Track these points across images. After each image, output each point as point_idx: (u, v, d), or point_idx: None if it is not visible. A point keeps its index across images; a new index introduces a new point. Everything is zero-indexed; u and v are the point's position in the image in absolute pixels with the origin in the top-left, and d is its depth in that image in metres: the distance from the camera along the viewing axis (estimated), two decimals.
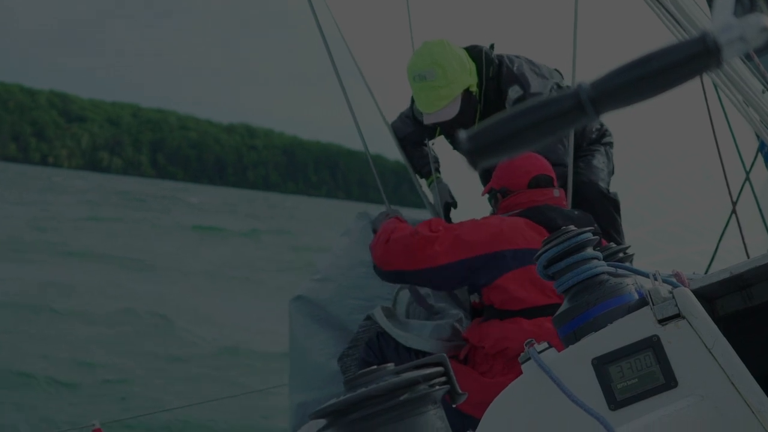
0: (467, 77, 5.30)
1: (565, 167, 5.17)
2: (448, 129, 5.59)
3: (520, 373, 4.61)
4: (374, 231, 5.15)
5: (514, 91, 5.36)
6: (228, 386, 14.74)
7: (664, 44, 1.27)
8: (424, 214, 5.80)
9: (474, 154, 1.32)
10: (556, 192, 4.89)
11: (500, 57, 5.49)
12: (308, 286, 5.54)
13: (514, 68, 5.42)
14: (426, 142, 5.90)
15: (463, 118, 5.33)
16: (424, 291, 5.11)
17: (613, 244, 3.18)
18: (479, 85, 5.39)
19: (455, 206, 5.82)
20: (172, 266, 29.49)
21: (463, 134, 1.34)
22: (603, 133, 5.73)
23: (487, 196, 5.15)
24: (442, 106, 5.27)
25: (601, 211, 5.39)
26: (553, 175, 4.97)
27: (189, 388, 14.54)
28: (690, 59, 1.25)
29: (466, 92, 5.32)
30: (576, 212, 4.92)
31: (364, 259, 5.38)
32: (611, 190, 5.55)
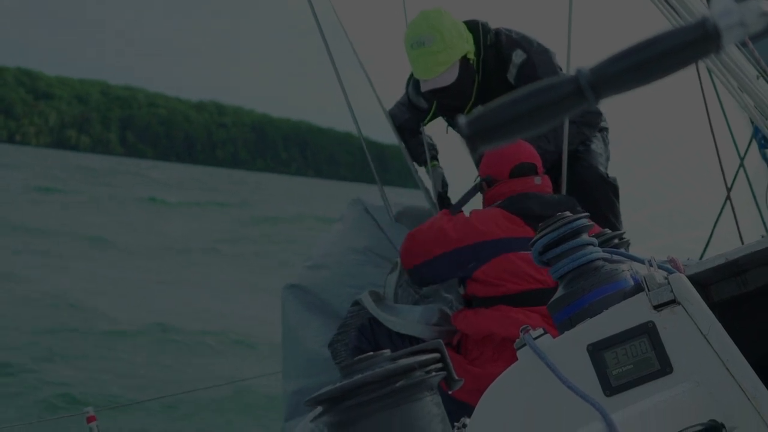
0: (465, 44, 5.37)
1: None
2: (444, 104, 5.59)
3: (510, 358, 4.66)
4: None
5: (517, 56, 5.43)
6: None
7: (664, 29, 1.27)
8: (416, 195, 5.81)
9: (473, 139, 1.32)
10: (538, 180, 4.92)
11: (497, 28, 5.55)
12: (301, 273, 5.53)
13: (513, 35, 5.49)
14: (422, 129, 5.90)
15: (461, 87, 5.39)
16: None
17: (608, 230, 3.18)
18: (477, 54, 5.44)
19: (446, 194, 5.82)
20: (127, 240, 29.50)
21: (462, 119, 1.34)
22: (599, 116, 5.74)
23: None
24: (440, 72, 5.34)
25: (601, 195, 5.42)
26: (538, 162, 4.99)
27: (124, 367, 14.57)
28: (690, 44, 1.25)
29: (464, 60, 5.38)
30: (557, 197, 4.94)
31: (357, 246, 5.38)
32: (610, 175, 5.58)
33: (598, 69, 1.29)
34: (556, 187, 5.27)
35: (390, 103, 6.04)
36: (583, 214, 2.52)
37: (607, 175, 5.52)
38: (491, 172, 5.00)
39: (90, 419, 4.70)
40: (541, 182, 4.93)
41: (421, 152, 5.90)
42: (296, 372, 5.27)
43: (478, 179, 5.10)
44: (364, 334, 4.86)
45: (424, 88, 5.44)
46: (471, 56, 5.39)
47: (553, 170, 5.29)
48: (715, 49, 1.26)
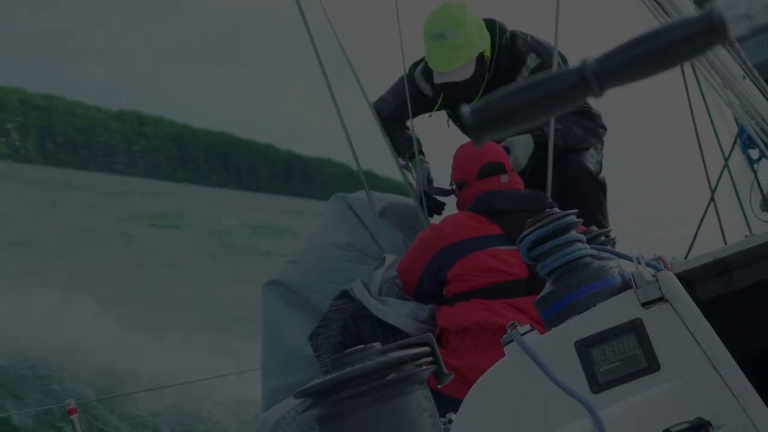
0: (483, 42, 5.43)
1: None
2: (451, 96, 5.59)
3: (488, 347, 4.68)
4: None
5: (531, 59, 5.48)
6: None
7: (671, 21, 1.26)
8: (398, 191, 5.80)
9: (477, 129, 1.31)
10: (504, 177, 4.97)
11: (513, 30, 5.58)
12: (282, 269, 5.49)
13: (529, 39, 5.53)
14: (409, 123, 5.88)
15: (472, 82, 5.42)
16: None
17: (594, 228, 3.18)
18: (491, 52, 5.49)
19: (430, 189, 5.81)
20: None
21: (466, 109, 1.33)
22: (598, 118, 5.79)
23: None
24: (458, 66, 5.37)
25: (589, 192, 5.44)
26: (505, 160, 5.02)
27: None
28: (696, 35, 1.24)
29: (480, 57, 5.42)
30: (523, 192, 4.98)
31: (339, 242, 5.35)
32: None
33: (603, 60, 1.29)
34: (544, 183, 5.30)
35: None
36: (572, 211, 2.52)
37: (596, 173, 5.54)
38: (460, 176, 5.09)
39: (71, 411, 4.68)
40: (508, 180, 4.98)
41: (408, 147, 5.89)
42: (276, 369, 5.24)
43: (453, 183, 5.17)
44: (348, 330, 4.86)
45: (438, 80, 5.46)
46: (487, 54, 5.43)
47: (541, 166, 5.31)
48: (722, 41, 1.26)
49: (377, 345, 1.52)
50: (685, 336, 2.22)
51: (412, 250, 5.03)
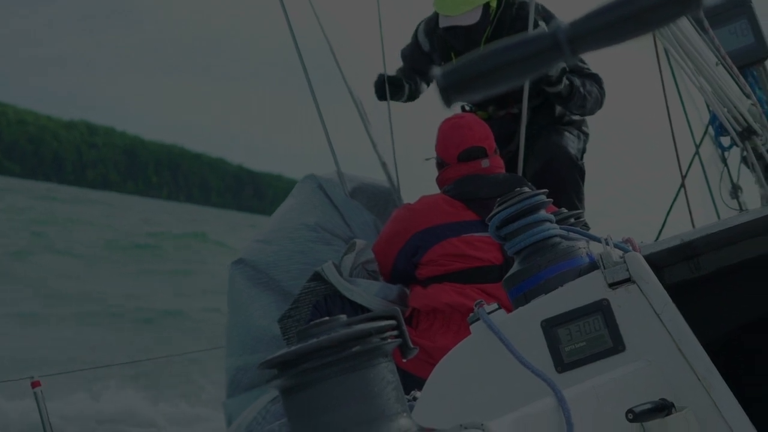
0: None
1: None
2: (454, 45, 5.63)
3: (457, 330, 4.69)
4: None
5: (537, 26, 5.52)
6: None
7: None
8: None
9: (448, 91, 1.31)
10: (485, 162, 4.97)
11: None
12: (250, 247, 5.45)
13: (539, 7, 5.60)
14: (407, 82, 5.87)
15: (476, 31, 5.50)
16: (368, 257, 5.10)
17: (564, 209, 3.18)
18: (498, 6, 5.58)
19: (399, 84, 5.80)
20: None
21: (437, 70, 1.32)
22: (582, 120, 5.82)
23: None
24: (466, 11, 5.44)
25: (568, 175, 5.47)
26: (488, 143, 5.02)
27: None
28: (669, 2, 1.24)
29: (486, 6, 5.49)
30: (503, 176, 4.99)
31: (308, 222, 5.32)
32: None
33: (576, 24, 1.28)
34: (524, 164, 5.35)
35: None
36: (541, 191, 2.52)
37: (577, 158, 5.57)
38: (441, 155, 5.07)
39: (34, 384, 4.65)
40: (489, 164, 4.97)
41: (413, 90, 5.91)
42: (240, 348, 5.21)
43: (434, 157, 5.14)
44: (319, 310, 4.85)
45: (445, 23, 5.52)
46: (493, 5, 5.49)
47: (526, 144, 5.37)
48: (695, 7, 1.25)
49: (343, 317, 1.51)
50: (651, 317, 2.23)
51: (387, 231, 5.04)
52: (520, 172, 5.30)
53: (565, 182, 5.36)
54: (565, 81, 5.34)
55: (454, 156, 4.98)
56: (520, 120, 5.35)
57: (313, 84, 5.58)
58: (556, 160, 5.45)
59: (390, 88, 5.74)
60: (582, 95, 5.47)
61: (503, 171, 5.04)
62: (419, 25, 5.89)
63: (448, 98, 1.32)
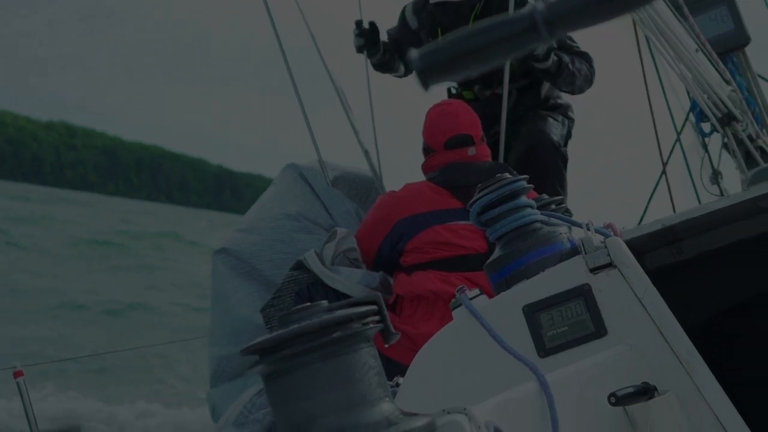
0: None
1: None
2: (444, 21, 5.65)
3: (441, 317, 4.70)
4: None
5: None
6: None
7: None
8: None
9: (425, 73, 1.30)
10: (472, 150, 4.96)
11: None
12: (233, 237, 5.44)
13: None
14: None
15: (464, 6, 5.56)
16: (350, 245, 5.10)
17: (545, 195, 3.19)
18: None
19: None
20: None
21: (414, 52, 1.32)
22: (568, 105, 5.83)
23: None
24: None
25: (551, 162, 5.49)
26: (476, 131, 5.01)
27: None
28: None
29: None
30: (489, 164, 4.98)
31: (289, 211, 5.31)
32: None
33: (553, 5, 1.28)
34: (506, 150, 5.36)
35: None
36: (522, 177, 2.52)
37: (560, 144, 5.58)
38: (428, 141, 5.06)
39: (17, 374, 4.63)
40: (476, 152, 4.97)
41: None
42: (223, 338, 5.20)
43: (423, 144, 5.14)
44: (302, 297, 4.85)
45: None
46: None
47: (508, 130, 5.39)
48: None
49: (324, 303, 1.51)
50: (633, 302, 2.23)
51: (371, 218, 5.03)
52: (502, 156, 5.30)
53: (547, 169, 5.37)
54: (553, 57, 5.35)
55: (441, 143, 4.98)
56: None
57: (293, 73, 5.57)
58: (539, 146, 5.47)
59: (367, 39, 5.75)
60: (571, 72, 5.48)
61: (489, 159, 5.04)
62: (405, 6, 5.90)
63: (425, 80, 1.31)
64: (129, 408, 15.90)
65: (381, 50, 5.78)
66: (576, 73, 5.51)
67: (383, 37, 5.86)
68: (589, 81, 5.65)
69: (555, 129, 5.62)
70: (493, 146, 5.27)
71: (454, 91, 5.84)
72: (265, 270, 5.19)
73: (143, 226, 45.41)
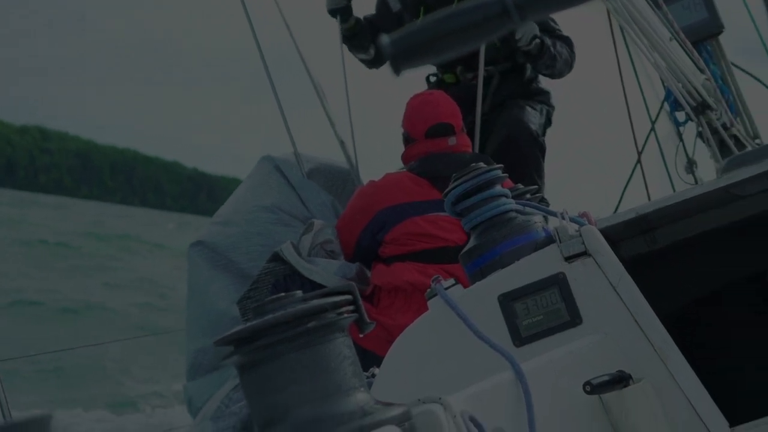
0: None
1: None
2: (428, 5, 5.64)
3: (418, 309, 4.71)
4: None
5: None
6: None
7: None
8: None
9: (397, 59, 1.30)
10: (452, 140, 4.96)
11: None
12: (209, 230, 5.42)
13: None
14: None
15: None
16: (326, 237, 5.09)
17: (520, 185, 3.19)
18: None
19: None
20: None
21: (385, 38, 1.32)
22: (546, 96, 5.84)
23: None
24: None
25: (528, 152, 5.50)
26: (456, 120, 5.01)
27: None
28: None
29: None
30: (469, 155, 4.97)
31: (265, 204, 5.30)
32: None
33: None
34: (483, 139, 5.38)
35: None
36: (497, 166, 2.52)
37: (538, 134, 5.59)
38: (408, 130, 5.06)
39: None
40: (456, 142, 4.97)
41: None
42: (200, 331, 5.18)
43: (403, 131, 5.14)
44: (278, 289, 4.84)
45: None
46: None
47: (483, 128, 5.38)
48: None
49: (299, 293, 1.51)
50: (608, 290, 2.24)
51: (351, 207, 5.04)
52: (477, 142, 5.30)
53: (525, 158, 5.39)
54: (536, 40, 5.36)
55: (421, 132, 4.98)
56: (487, 84, 5.40)
57: (269, 67, 5.55)
58: (517, 136, 5.47)
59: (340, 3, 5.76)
60: (552, 55, 5.50)
61: (470, 150, 5.04)
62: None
63: (397, 66, 1.31)
64: (82, 411, 15.76)
65: (353, 18, 5.79)
66: (557, 56, 5.54)
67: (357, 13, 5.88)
68: (569, 65, 5.68)
69: (533, 118, 5.63)
70: (471, 131, 5.28)
71: (433, 78, 5.82)
72: (241, 263, 5.18)
73: (112, 228, 45.10)
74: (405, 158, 5.07)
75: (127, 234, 42.70)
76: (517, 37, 5.32)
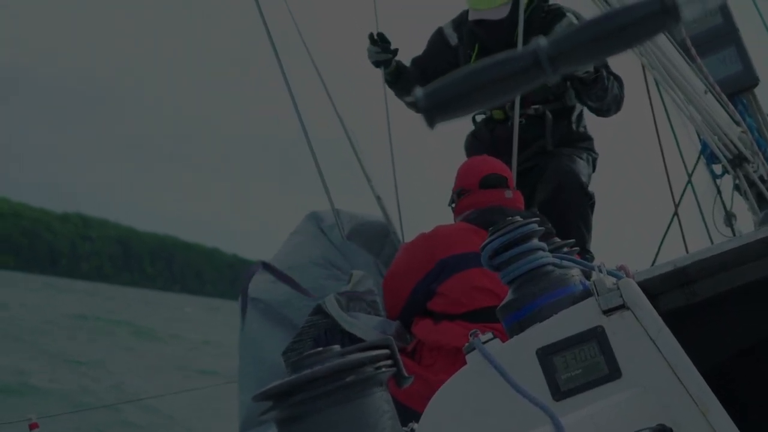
0: None
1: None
2: (482, 39, 5.77)
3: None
4: None
5: (567, 21, 5.69)
6: None
7: (623, 3, 1.27)
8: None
9: (430, 112, 1.31)
10: (509, 193, 4.94)
11: None
12: (261, 287, 5.45)
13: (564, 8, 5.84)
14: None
15: (505, 26, 5.67)
16: (367, 287, 5.09)
17: (557, 239, 3.18)
18: (529, 2, 5.78)
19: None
20: None
21: (419, 91, 1.32)
22: (591, 143, 5.87)
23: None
24: (499, 5, 5.66)
25: (576, 203, 5.50)
26: (508, 175, 5.02)
27: None
28: (648, 18, 1.25)
29: (516, 3, 5.62)
30: (524, 212, 4.94)
31: (316, 260, 5.34)
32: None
33: (556, 42, 1.29)
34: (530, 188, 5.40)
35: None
36: (533, 219, 2.52)
37: (586, 185, 5.60)
38: (462, 183, 5.04)
39: (32, 426, 4.63)
40: (512, 196, 4.95)
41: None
42: (254, 383, 5.20)
43: (452, 194, 5.14)
44: (319, 343, 4.84)
45: (474, 17, 5.73)
46: (524, 1, 5.66)
47: (530, 173, 5.41)
48: (674, 22, 1.26)
49: (337, 347, 1.51)
50: (647, 343, 2.22)
51: (404, 259, 4.95)
52: (514, 173, 5.28)
53: (574, 211, 5.39)
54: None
55: (475, 182, 4.96)
56: (538, 123, 5.54)
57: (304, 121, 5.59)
58: (568, 187, 5.48)
59: (382, 49, 5.84)
60: (605, 87, 5.55)
61: (522, 208, 5.02)
62: (442, 26, 6.09)
63: (431, 119, 1.32)
64: None
65: (394, 63, 5.93)
66: (609, 88, 5.57)
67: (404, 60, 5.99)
68: (617, 103, 5.71)
69: (583, 169, 5.65)
70: (524, 174, 5.31)
71: (480, 117, 5.86)
72: (295, 318, 5.20)
73: (117, 313, 44.60)
74: (458, 210, 5.03)
75: (113, 319, 41.73)
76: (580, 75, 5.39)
